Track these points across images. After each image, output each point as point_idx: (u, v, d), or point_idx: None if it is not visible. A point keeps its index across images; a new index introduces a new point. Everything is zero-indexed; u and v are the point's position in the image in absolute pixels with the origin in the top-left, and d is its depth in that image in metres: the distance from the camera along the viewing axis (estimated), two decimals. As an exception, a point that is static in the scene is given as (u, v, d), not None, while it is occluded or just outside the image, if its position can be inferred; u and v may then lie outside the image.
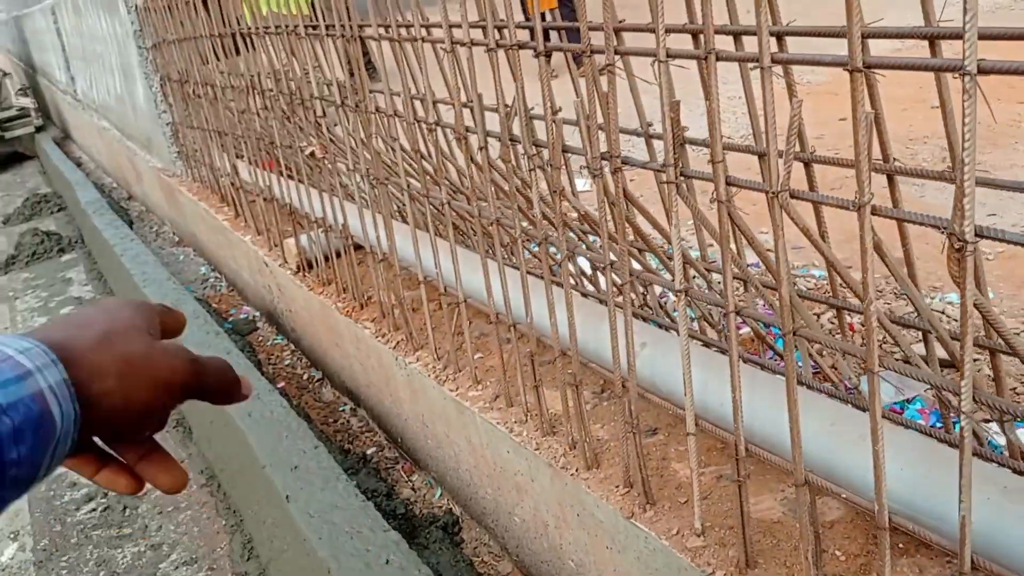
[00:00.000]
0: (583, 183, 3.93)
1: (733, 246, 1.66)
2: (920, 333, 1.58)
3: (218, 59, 4.04)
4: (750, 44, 1.34)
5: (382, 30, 2.37)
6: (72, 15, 8.76)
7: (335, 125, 3.18)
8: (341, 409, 3.56)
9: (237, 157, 4.31)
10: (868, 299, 1.11)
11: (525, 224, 2.00)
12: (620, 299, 1.62)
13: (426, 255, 2.56)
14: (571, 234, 2.09)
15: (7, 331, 5.65)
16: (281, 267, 3.85)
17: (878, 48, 1.10)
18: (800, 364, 1.69)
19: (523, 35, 1.79)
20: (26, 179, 11.96)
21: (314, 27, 2.83)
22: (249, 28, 3.45)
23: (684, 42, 1.45)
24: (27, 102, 13.69)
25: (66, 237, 7.53)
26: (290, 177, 3.63)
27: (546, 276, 1.88)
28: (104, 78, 7.81)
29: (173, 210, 6.37)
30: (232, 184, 4.52)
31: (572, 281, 2.11)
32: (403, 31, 2.28)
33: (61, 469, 0.59)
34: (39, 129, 13.61)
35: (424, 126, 2.31)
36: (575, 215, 2.21)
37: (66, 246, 7.35)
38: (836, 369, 1.73)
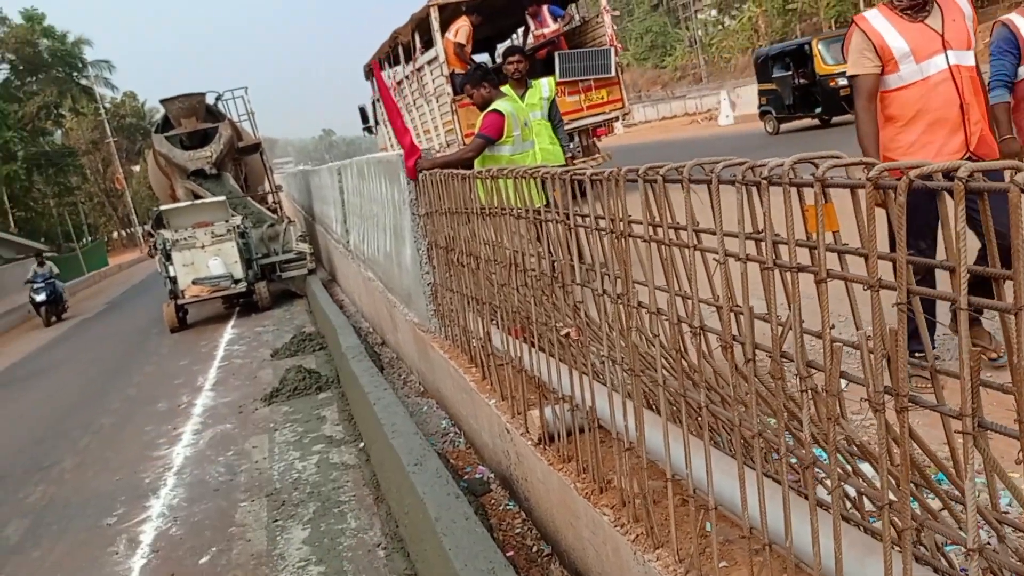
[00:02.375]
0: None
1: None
2: None
3: (483, 218, 4.33)
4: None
5: (651, 230, 2.46)
6: (355, 177, 9.76)
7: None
8: (569, 591, 3.50)
9: (491, 323, 4.53)
10: None
11: (790, 441, 1.94)
12: (895, 536, 1.52)
13: (676, 451, 2.53)
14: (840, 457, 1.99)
15: (266, 460, 6.11)
16: (522, 436, 3.93)
17: None
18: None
19: (803, 254, 1.79)
20: (295, 316, 13.16)
21: (583, 217, 2.98)
22: (517, 211, 3.68)
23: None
24: (305, 247, 15.25)
25: (324, 376, 8.15)
26: (541, 349, 3.75)
27: (811, 501, 1.79)
28: (376, 235, 8.56)
29: (423, 363, 6.74)
30: (483, 348, 4.74)
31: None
32: (673, 234, 2.35)
33: None
34: (311, 272, 15.04)
35: (687, 327, 2.33)
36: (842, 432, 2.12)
37: (323, 385, 7.94)
38: None
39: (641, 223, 2.51)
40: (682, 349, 2.44)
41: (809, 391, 1.77)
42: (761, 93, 23.37)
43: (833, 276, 1.64)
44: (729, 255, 2.04)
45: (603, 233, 2.76)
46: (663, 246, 2.38)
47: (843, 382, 1.73)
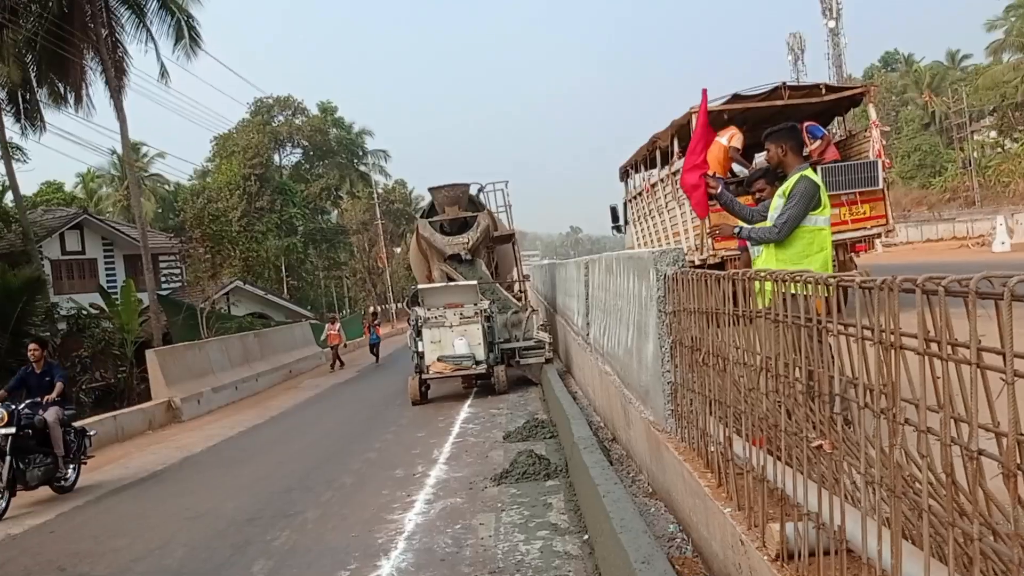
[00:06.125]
0: None
1: None
2: None
3: (736, 320, 4.25)
4: None
5: (927, 344, 2.32)
6: (603, 272, 9.94)
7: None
8: None
9: (734, 431, 4.40)
10: None
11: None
12: None
13: (938, 587, 2.33)
14: None
15: (491, 538, 6.20)
16: (758, 550, 3.75)
17: None
18: None
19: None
20: (528, 402, 13.42)
21: (846, 326, 2.87)
22: (776, 316, 3.60)
23: None
24: (544, 336, 15.63)
25: (553, 464, 8.21)
26: (787, 464, 3.59)
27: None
28: (617, 330, 8.63)
29: (654, 463, 6.63)
30: (722, 453, 4.60)
31: None
32: (952, 350, 2.21)
33: None
34: (548, 361, 15.36)
35: (963, 451, 2.16)
36: None
37: (552, 472, 8.00)
38: None
39: (914, 336, 2.38)
40: (952, 474, 2.27)
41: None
42: None
43: None
44: (1019, 376, 1.89)
45: (870, 343, 2.64)
46: (939, 361, 2.25)
47: None
